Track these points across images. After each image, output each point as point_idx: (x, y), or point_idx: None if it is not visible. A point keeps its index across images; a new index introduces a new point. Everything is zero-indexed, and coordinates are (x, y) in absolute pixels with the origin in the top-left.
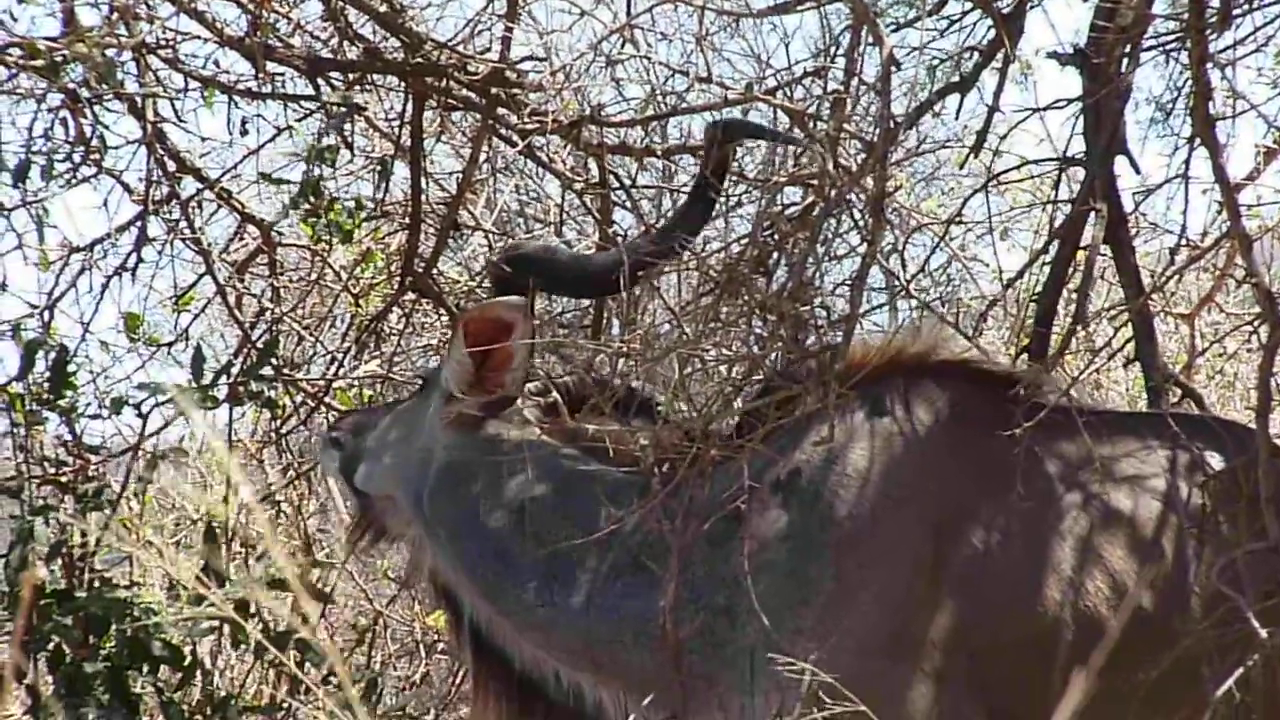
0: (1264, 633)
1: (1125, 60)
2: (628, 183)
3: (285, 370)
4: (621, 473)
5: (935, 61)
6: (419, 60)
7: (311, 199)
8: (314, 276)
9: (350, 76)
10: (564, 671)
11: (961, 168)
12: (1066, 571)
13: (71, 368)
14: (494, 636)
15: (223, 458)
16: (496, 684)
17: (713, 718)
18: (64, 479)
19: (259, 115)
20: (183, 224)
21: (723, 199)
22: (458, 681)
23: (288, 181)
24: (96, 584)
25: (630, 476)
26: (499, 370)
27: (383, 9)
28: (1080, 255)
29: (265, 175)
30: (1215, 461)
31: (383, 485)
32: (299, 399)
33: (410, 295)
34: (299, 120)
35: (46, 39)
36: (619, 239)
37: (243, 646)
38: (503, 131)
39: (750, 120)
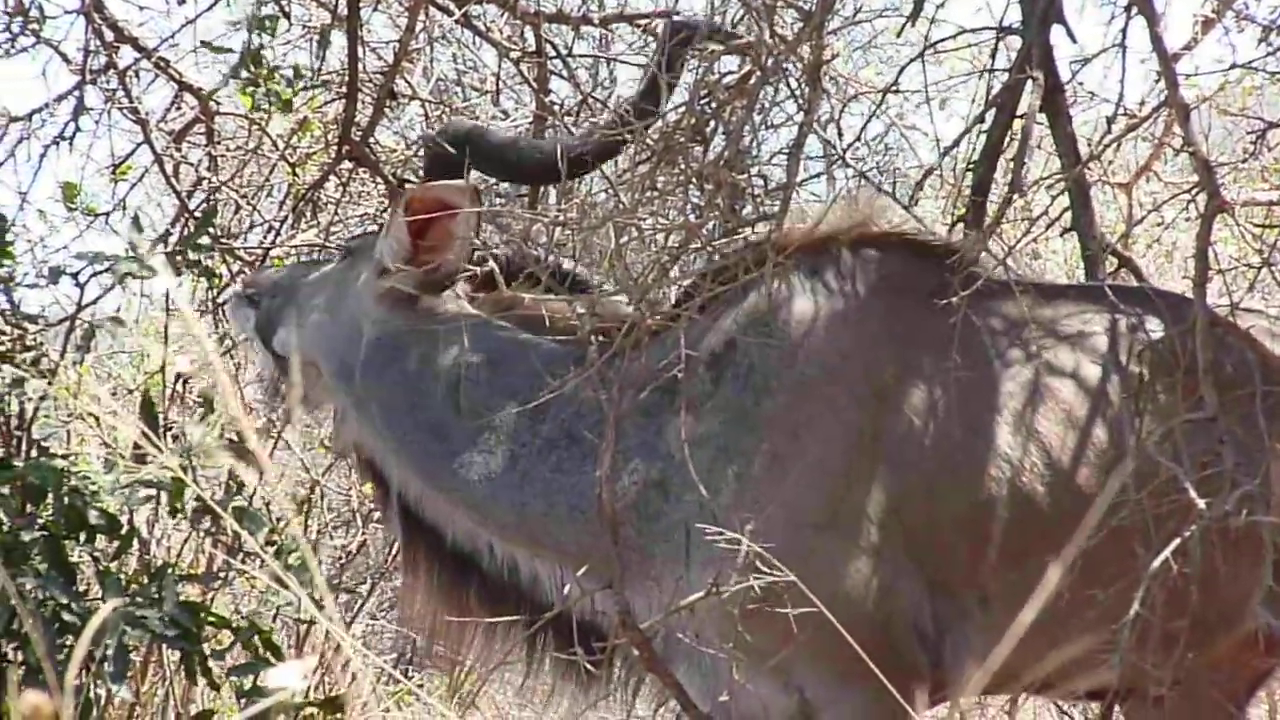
0: (1202, 503)
1: None
2: (564, 52)
3: (223, 239)
4: (557, 343)
5: None
6: None
7: (251, 68)
8: (252, 146)
9: None
10: (498, 545)
11: (899, 36)
12: (1002, 446)
13: (9, 237)
14: (424, 511)
15: (182, 325)
16: (428, 558)
17: (647, 590)
18: (2, 348)
19: None
20: (120, 93)
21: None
22: (393, 552)
23: (228, 50)
24: (34, 453)
25: (566, 348)
26: (436, 250)
27: None
28: (1017, 124)
29: (206, 43)
30: (1153, 331)
31: (304, 351)
32: (236, 268)
33: (347, 164)
34: None
35: None
36: (560, 131)
37: (180, 515)
38: (439, 0)
39: (706, 20)
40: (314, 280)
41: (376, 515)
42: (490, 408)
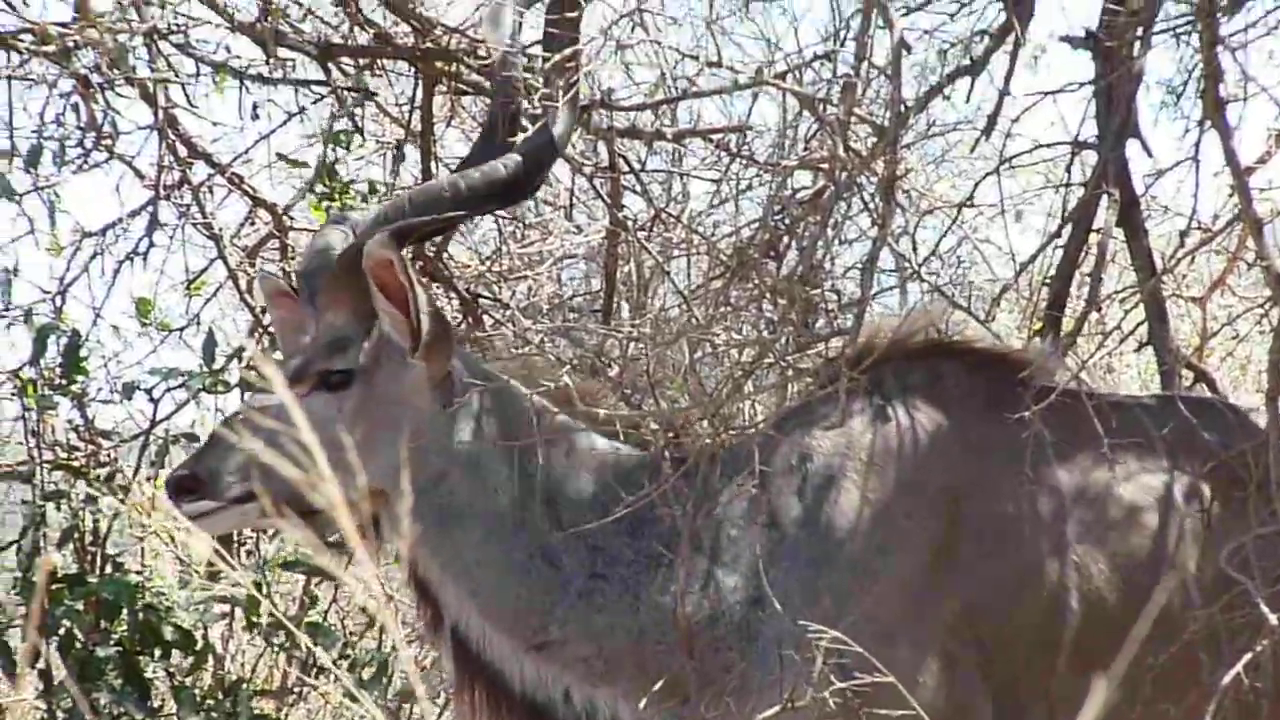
0: (1274, 618)
1: (1137, 43)
2: (637, 167)
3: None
4: (634, 456)
5: (946, 45)
6: (429, 45)
7: (325, 183)
8: None
9: (361, 61)
10: (577, 689)
11: (973, 151)
12: (1073, 556)
13: (83, 353)
14: (487, 651)
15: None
16: (490, 705)
17: (725, 704)
18: (76, 464)
19: (270, 100)
20: (194, 209)
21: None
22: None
23: (303, 164)
24: (108, 569)
25: (640, 455)
26: (406, 311)
27: None
28: (1092, 238)
29: (283, 156)
30: (1226, 444)
31: (371, 483)
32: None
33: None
34: (312, 104)
35: (58, 24)
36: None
37: (254, 630)
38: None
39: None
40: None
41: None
42: (571, 521)
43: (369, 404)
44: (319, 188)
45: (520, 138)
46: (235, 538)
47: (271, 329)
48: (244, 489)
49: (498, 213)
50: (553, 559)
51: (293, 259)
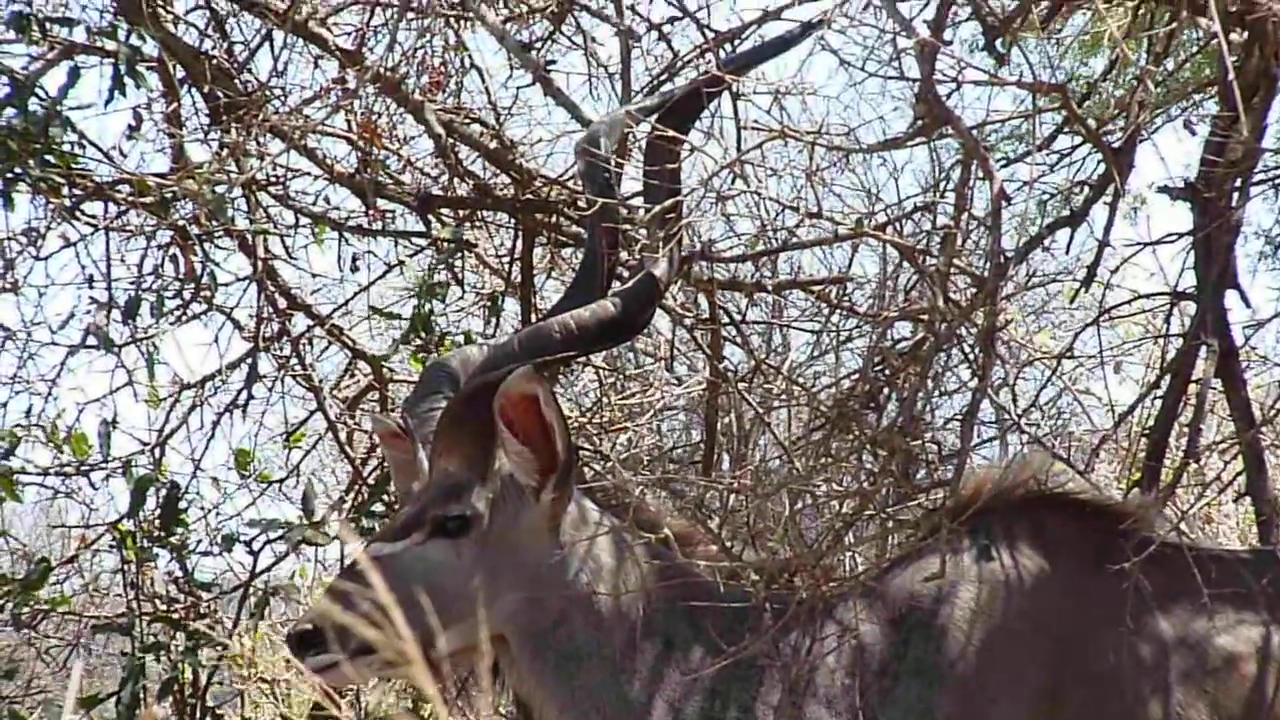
0: None
1: (1235, 194)
2: (738, 318)
3: (396, 506)
4: (742, 604)
5: (1045, 196)
6: (529, 196)
7: (422, 334)
8: None
9: (460, 213)
10: None
11: (1072, 301)
12: (1174, 705)
13: (182, 504)
14: None
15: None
16: None
17: None
18: (175, 616)
19: (369, 251)
20: (293, 360)
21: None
22: None
23: (398, 316)
24: None
25: (746, 604)
26: (548, 445)
27: (493, 146)
28: (1191, 389)
29: (376, 309)
30: None
31: (492, 629)
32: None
33: None
34: (410, 256)
35: (156, 175)
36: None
37: None
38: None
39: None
40: (445, 563)
41: None
42: (688, 665)
43: (488, 548)
44: (415, 340)
45: (618, 287)
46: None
47: (371, 481)
48: (360, 644)
49: (598, 364)
50: (671, 703)
51: (393, 411)
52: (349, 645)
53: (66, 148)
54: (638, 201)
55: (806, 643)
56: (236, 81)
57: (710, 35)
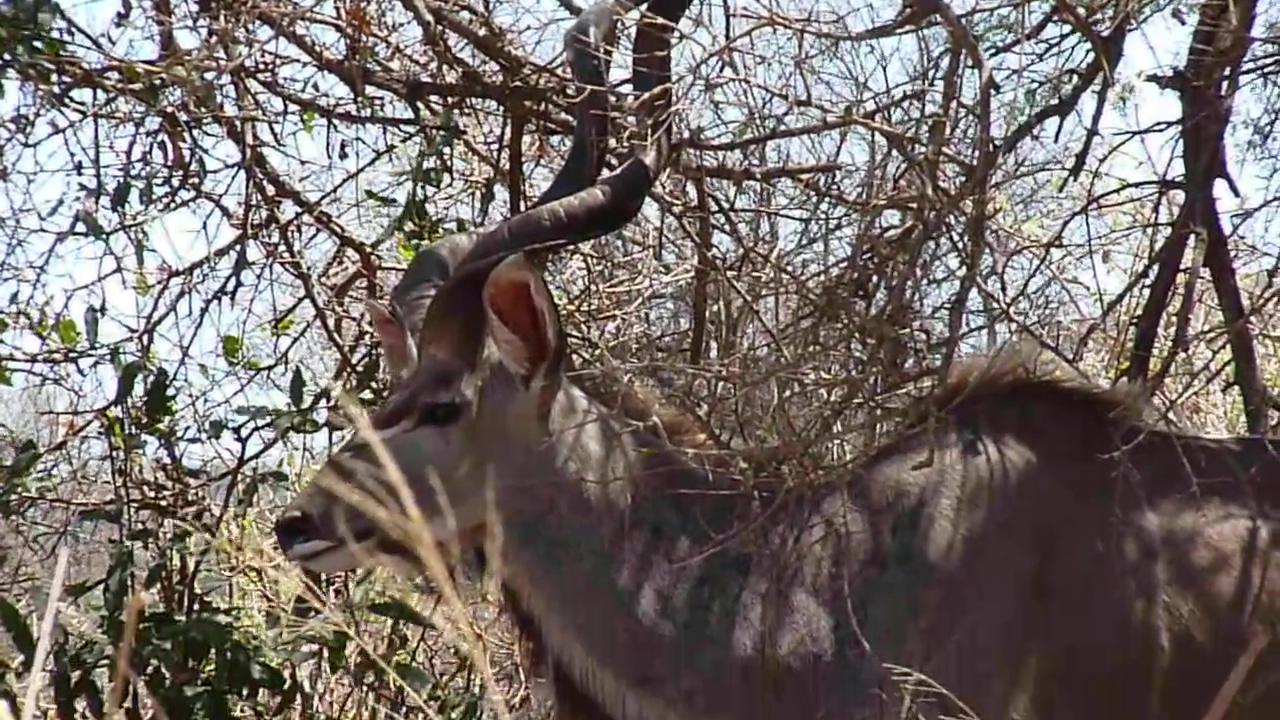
0: None
1: (1224, 83)
2: (726, 206)
3: (385, 394)
4: (733, 492)
5: (1034, 84)
6: (518, 84)
7: (415, 220)
8: None
9: (449, 100)
10: None
11: (1061, 190)
12: (1162, 596)
13: (170, 391)
14: (590, 687)
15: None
16: None
17: None
18: (163, 503)
19: (358, 139)
20: (282, 247)
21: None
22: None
23: (392, 201)
24: (196, 608)
25: (734, 489)
26: (540, 333)
27: (482, 33)
28: (1180, 278)
29: (370, 193)
30: None
31: (484, 510)
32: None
33: None
34: (401, 142)
35: (145, 62)
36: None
37: (342, 670)
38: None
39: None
40: (434, 451)
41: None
42: (678, 553)
43: (477, 436)
44: (407, 226)
45: (606, 174)
46: (324, 577)
47: (359, 368)
48: (351, 529)
49: (586, 251)
50: (660, 591)
51: (381, 298)
52: (340, 530)
53: (55, 34)
54: (627, 89)
55: (794, 531)
56: None
57: None
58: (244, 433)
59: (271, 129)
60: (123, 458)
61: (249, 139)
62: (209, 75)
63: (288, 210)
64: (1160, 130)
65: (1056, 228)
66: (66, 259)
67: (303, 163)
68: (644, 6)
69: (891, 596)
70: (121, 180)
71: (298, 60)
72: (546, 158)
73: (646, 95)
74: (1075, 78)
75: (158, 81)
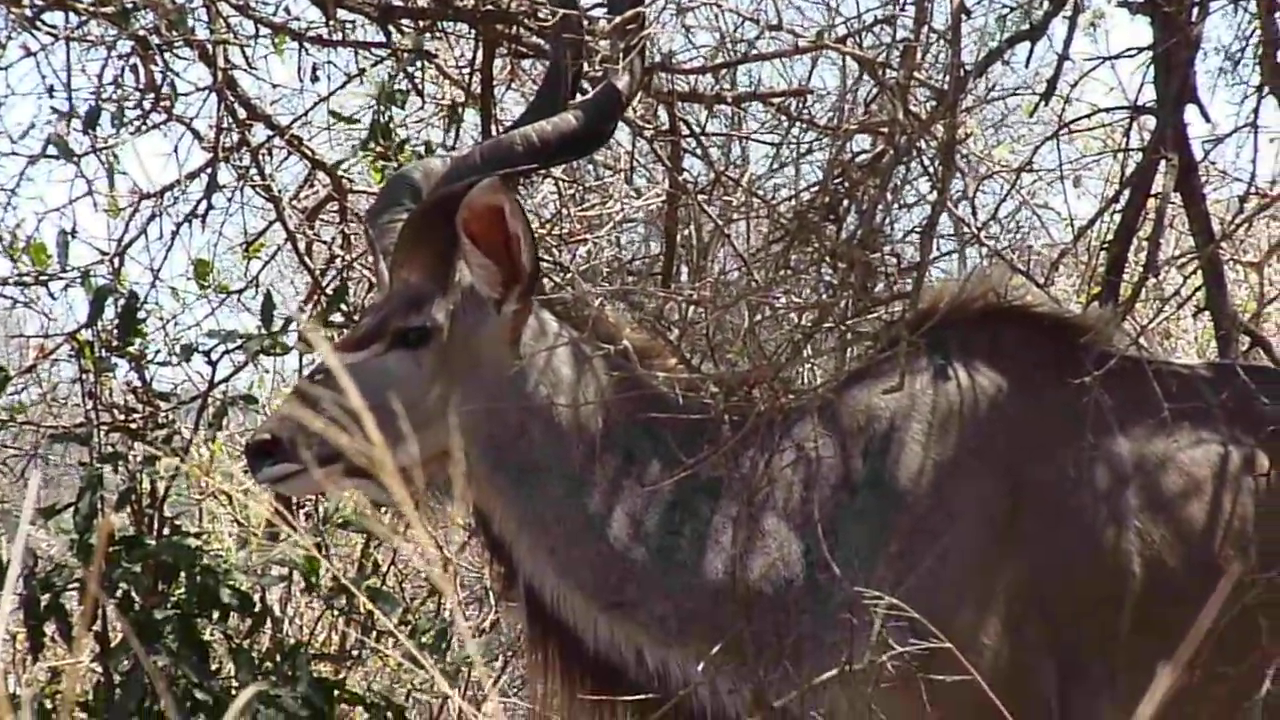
0: None
1: (1195, 9)
2: (697, 130)
3: (355, 317)
4: (704, 416)
5: (1005, 9)
6: (490, 7)
7: (381, 141)
8: None
9: (421, 23)
10: (650, 649)
11: (1032, 115)
12: (1133, 521)
13: (141, 314)
14: (560, 610)
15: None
16: (564, 665)
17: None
18: (133, 426)
19: (329, 62)
20: (253, 171)
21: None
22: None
23: (357, 121)
24: (166, 531)
25: (704, 413)
26: (514, 257)
27: None
28: (1151, 204)
29: (336, 114)
30: None
31: (455, 434)
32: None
33: None
34: (372, 66)
35: None
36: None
37: (313, 593)
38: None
39: None
40: (406, 374)
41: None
42: (650, 477)
43: (448, 360)
44: (375, 147)
45: (579, 99)
46: (294, 501)
47: (330, 291)
48: (319, 453)
49: (557, 175)
50: (632, 515)
51: (351, 221)
52: (310, 453)
53: None
54: (600, 13)
55: (765, 455)
56: None
57: None
58: (214, 356)
59: (243, 52)
60: (93, 381)
61: (220, 62)
62: None
63: (259, 134)
64: (1131, 56)
65: (1027, 153)
66: (38, 182)
67: (274, 86)
68: None
69: (862, 521)
70: (93, 103)
71: None
72: (518, 82)
73: (619, 19)
74: (1046, 3)
75: (129, 4)
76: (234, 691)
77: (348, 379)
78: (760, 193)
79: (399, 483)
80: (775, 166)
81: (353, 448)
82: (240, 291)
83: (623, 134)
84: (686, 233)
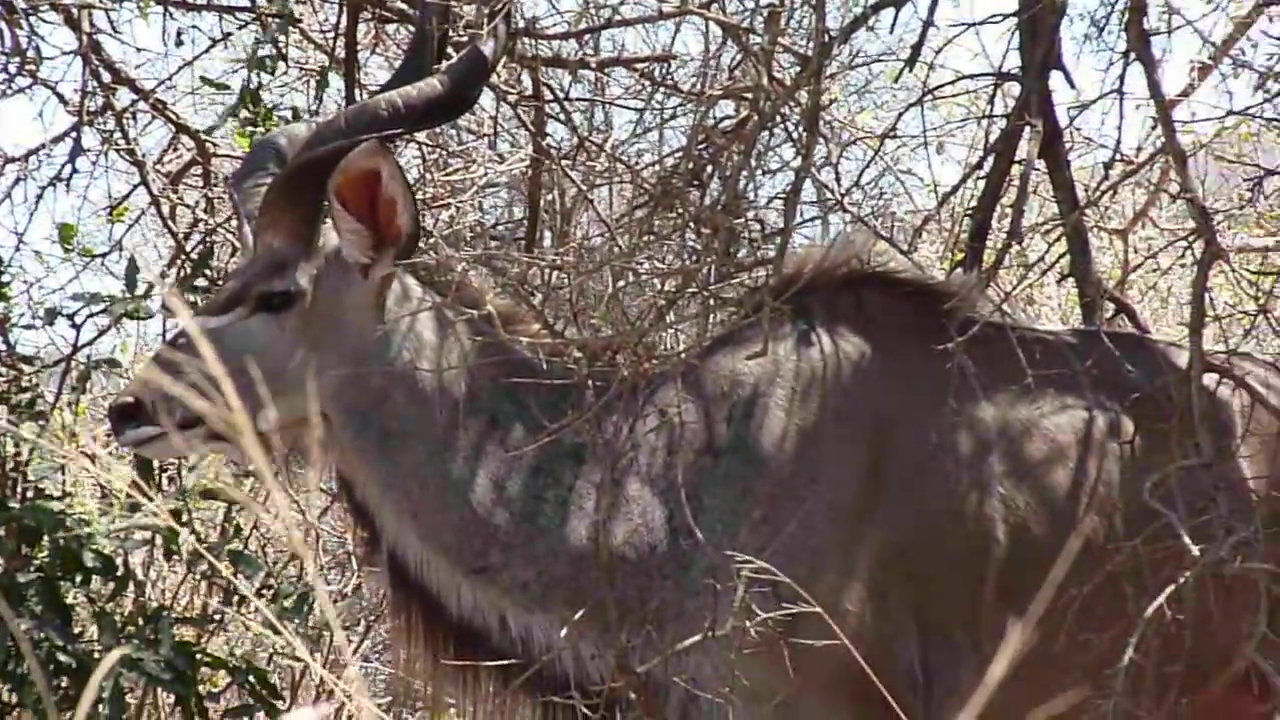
0: (1196, 550)
1: None
2: (561, 95)
3: (219, 281)
4: (567, 381)
5: None
6: None
7: (249, 108)
8: None
9: None
10: (514, 615)
11: (896, 81)
12: (997, 487)
13: (5, 278)
14: (424, 577)
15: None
16: (426, 630)
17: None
18: None
19: (194, 26)
20: (117, 135)
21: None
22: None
23: (226, 87)
24: (29, 494)
25: (568, 379)
26: (390, 220)
27: None
28: (1015, 170)
29: (206, 79)
30: (1148, 378)
31: (318, 399)
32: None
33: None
34: (236, 30)
35: None
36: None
37: (175, 558)
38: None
39: None
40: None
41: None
42: (513, 442)
43: (311, 324)
44: (242, 113)
45: (445, 64)
46: (157, 465)
47: (194, 255)
48: (182, 416)
49: (421, 140)
50: (495, 481)
51: (216, 186)
52: (172, 416)
53: None
54: None
55: (628, 421)
56: None
57: None
58: (78, 319)
59: (108, 16)
60: None
61: (86, 26)
62: None
63: (124, 97)
64: (996, 22)
65: (891, 119)
66: None
67: (139, 50)
68: None
69: (726, 486)
70: None
71: None
72: (383, 46)
73: None
74: None
75: None
76: (97, 655)
77: (207, 345)
78: (624, 158)
79: (258, 448)
80: (639, 132)
81: (212, 412)
82: (104, 255)
83: (487, 99)
84: (550, 198)
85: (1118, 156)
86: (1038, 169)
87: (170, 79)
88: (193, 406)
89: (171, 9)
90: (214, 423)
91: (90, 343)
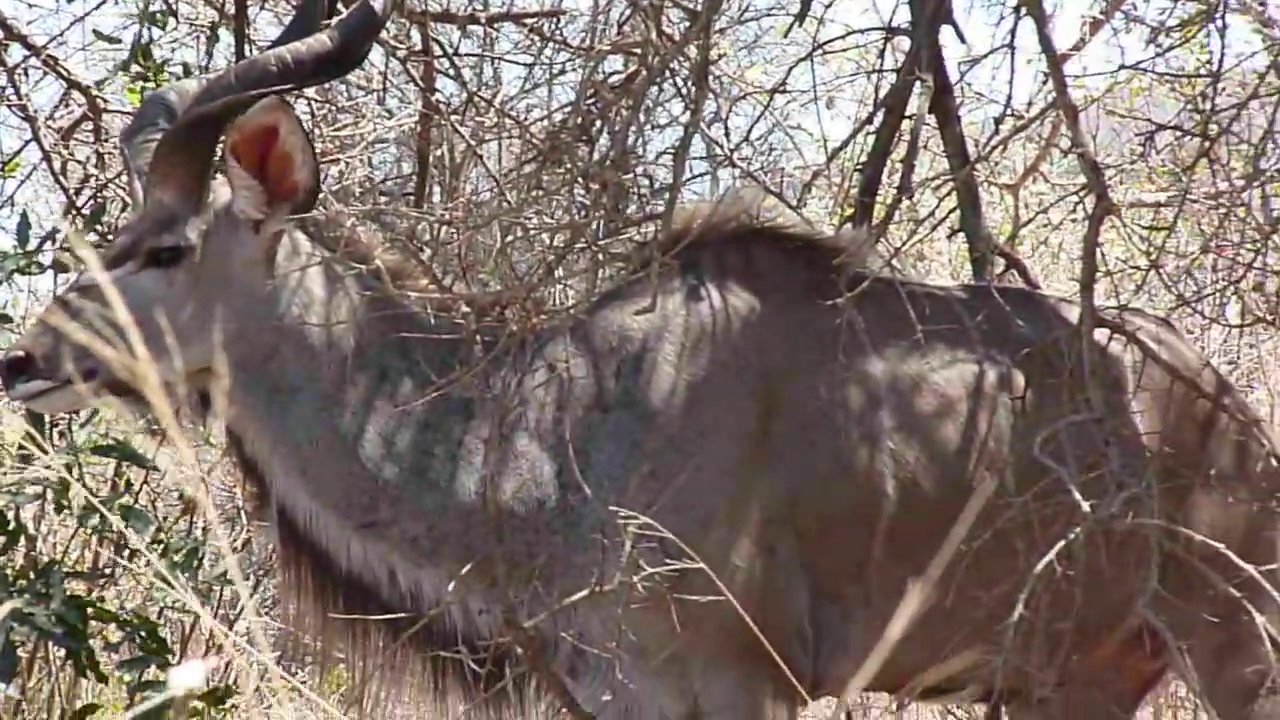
0: (1086, 506)
1: None
2: (450, 50)
3: (111, 236)
4: (455, 337)
5: None
6: None
7: (140, 63)
8: None
9: None
10: (403, 569)
11: (785, 36)
12: (887, 442)
13: None
14: (314, 532)
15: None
16: (315, 585)
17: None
18: None
19: None
20: (9, 90)
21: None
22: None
23: (118, 41)
24: None
25: (455, 334)
26: (286, 175)
27: None
28: (905, 125)
29: (99, 34)
30: (1039, 332)
31: (207, 358)
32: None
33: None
34: None
35: None
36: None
37: (66, 512)
38: None
39: None
40: (158, 293)
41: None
42: (402, 397)
43: (201, 280)
44: (133, 69)
45: (335, 19)
46: (48, 419)
47: (85, 211)
48: (77, 368)
49: (310, 95)
50: (384, 435)
51: (107, 141)
52: (65, 370)
53: None
54: None
55: (517, 376)
56: None
57: None
58: None
59: None
60: None
61: None
62: None
63: (15, 53)
64: None
65: (781, 74)
66: None
67: (30, 5)
68: None
69: (614, 441)
70: None
71: None
72: (272, 2)
73: None
74: None
75: None
76: None
77: (114, 291)
78: (513, 113)
79: (161, 397)
80: (528, 87)
81: (117, 360)
82: None
83: (376, 54)
84: (439, 153)
85: (1008, 111)
86: (928, 124)
87: (62, 35)
88: (99, 354)
89: None
90: (117, 371)
91: None
